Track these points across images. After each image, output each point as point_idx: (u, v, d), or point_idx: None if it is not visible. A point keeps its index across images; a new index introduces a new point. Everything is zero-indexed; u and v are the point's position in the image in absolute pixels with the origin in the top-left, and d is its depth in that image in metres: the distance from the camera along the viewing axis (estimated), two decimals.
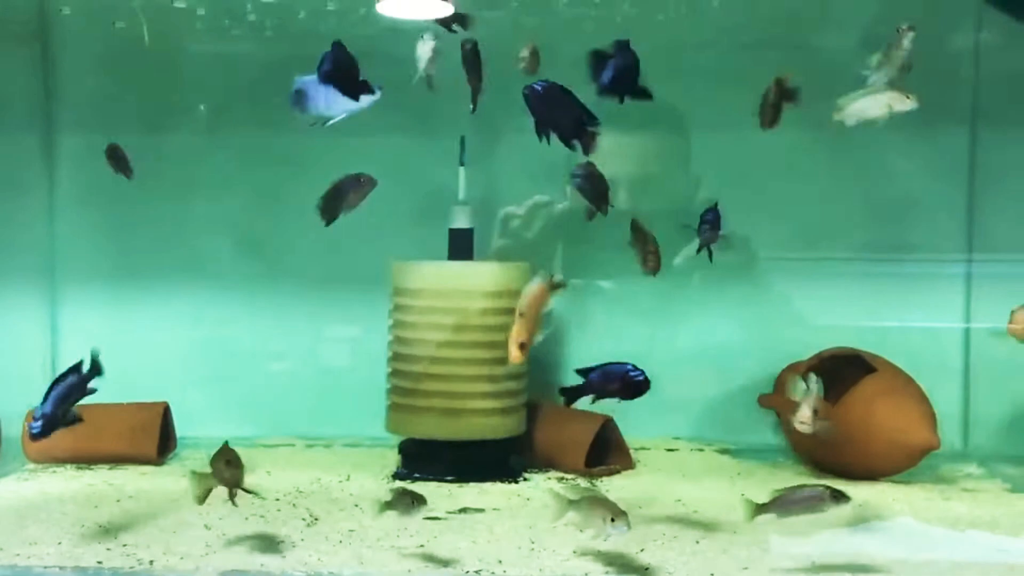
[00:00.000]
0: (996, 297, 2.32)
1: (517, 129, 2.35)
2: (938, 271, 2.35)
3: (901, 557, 1.66)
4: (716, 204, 1.93)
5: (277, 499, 1.95)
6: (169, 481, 2.08)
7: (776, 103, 1.86)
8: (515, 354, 1.64)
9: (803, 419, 1.75)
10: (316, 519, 1.83)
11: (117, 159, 2.08)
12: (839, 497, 1.60)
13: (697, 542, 1.73)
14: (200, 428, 2.37)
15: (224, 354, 2.50)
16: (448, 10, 1.97)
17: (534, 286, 1.65)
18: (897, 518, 1.88)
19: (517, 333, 1.64)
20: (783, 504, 1.61)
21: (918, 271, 2.35)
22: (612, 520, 1.54)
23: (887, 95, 1.79)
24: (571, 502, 1.62)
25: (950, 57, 2.33)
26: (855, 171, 2.40)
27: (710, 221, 1.91)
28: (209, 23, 2.40)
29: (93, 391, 1.71)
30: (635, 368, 1.81)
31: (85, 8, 2.44)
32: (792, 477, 2.17)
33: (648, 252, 1.89)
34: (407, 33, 2.36)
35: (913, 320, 2.35)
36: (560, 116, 1.71)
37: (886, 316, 2.35)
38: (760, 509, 1.62)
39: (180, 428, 2.34)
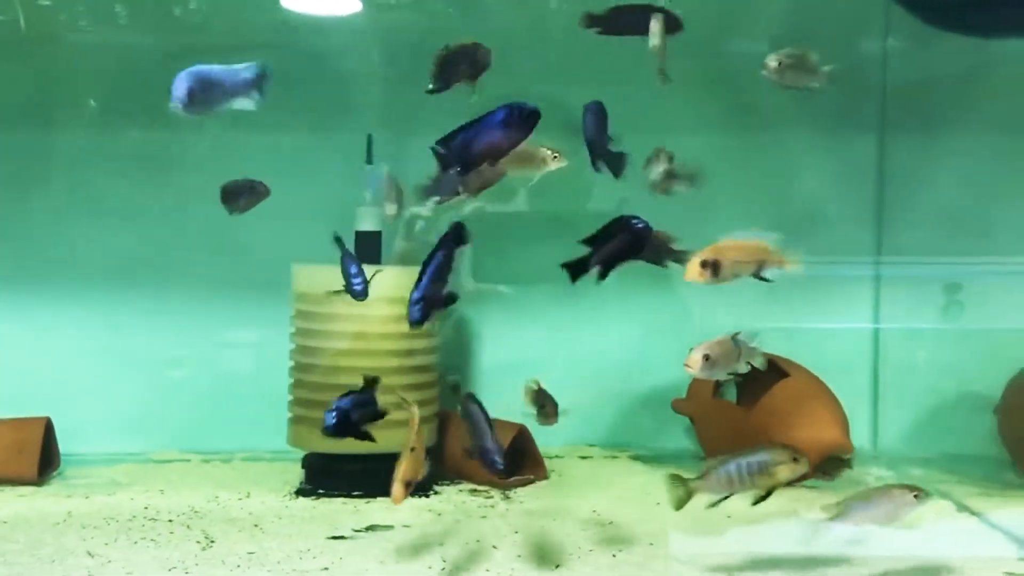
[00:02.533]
0: (905, 300, 2.38)
1: (427, 126, 2.32)
2: (847, 274, 2.36)
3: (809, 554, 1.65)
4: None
5: (170, 520, 1.83)
6: (50, 503, 1.94)
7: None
8: (399, 494, 1.48)
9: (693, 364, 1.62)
10: (212, 541, 1.72)
11: None
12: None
13: (614, 555, 1.68)
14: (87, 444, 2.24)
15: (114, 363, 2.35)
16: (356, 6, 1.89)
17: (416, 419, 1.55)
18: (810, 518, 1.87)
19: (405, 471, 1.49)
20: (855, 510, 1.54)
21: (827, 274, 2.35)
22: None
23: None
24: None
25: (858, 64, 2.34)
26: (764, 175, 2.40)
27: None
28: (95, 10, 2.25)
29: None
30: (635, 217, 1.58)
31: None
32: None
33: None
34: (310, 26, 2.29)
35: (823, 323, 2.36)
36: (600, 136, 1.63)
37: (796, 319, 2.34)
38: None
39: (64, 444, 2.19)
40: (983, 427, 2.22)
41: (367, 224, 2.12)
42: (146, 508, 1.90)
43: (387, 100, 2.30)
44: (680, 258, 1.76)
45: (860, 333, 2.38)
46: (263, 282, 2.20)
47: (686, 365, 1.60)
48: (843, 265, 2.35)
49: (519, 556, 1.67)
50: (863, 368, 2.38)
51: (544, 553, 1.69)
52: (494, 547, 1.71)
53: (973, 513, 1.92)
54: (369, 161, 2.13)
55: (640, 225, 1.55)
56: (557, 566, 1.62)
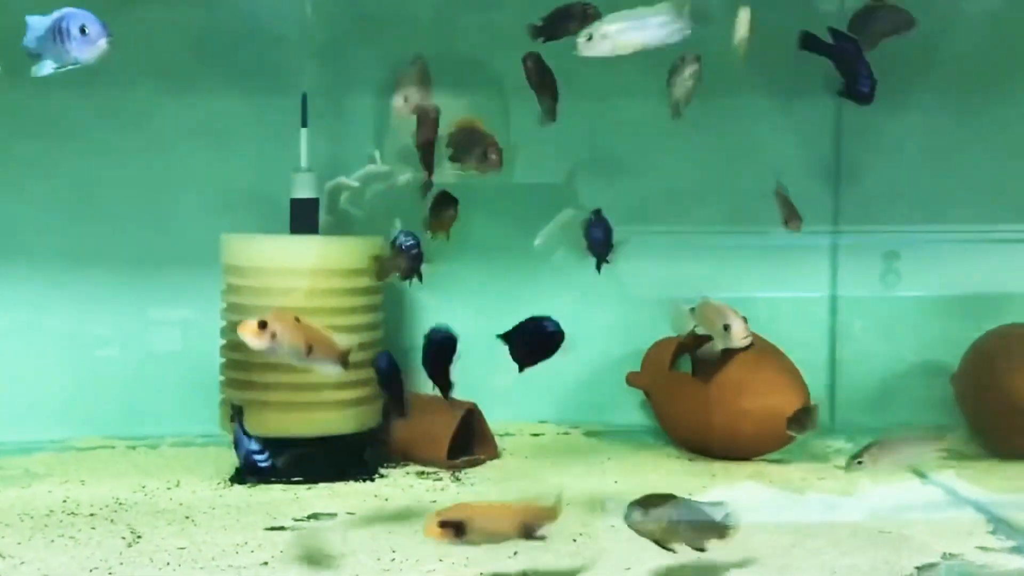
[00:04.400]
0: (862, 268, 2.32)
1: (365, 85, 2.20)
2: (804, 242, 2.29)
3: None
4: (599, 212, 1.81)
5: (92, 514, 1.69)
6: None
7: None
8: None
9: (741, 334, 1.76)
10: (139, 537, 1.58)
11: None
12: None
13: (574, 540, 1.59)
14: (1, 431, 2.07)
15: (29, 343, 2.16)
16: None
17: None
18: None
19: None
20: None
21: (783, 243, 2.28)
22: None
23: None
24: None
25: (816, 22, 2.25)
26: (718, 142, 2.31)
27: (599, 239, 1.80)
28: None
29: None
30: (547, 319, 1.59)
31: None
32: (662, 459, 2.07)
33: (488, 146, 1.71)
34: None
35: (778, 292, 2.29)
36: None
37: (751, 288, 2.27)
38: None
39: None
40: (940, 396, 2.18)
41: (303, 191, 1.98)
42: (65, 501, 1.75)
43: (322, 60, 2.15)
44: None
45: (817, 302, 2.31)
46: (192, 255, 2.06)
47: (740, 338, 1.69)
48: (800, 234, 2.29)
49: (475, 544, 1.57)
50: (820, 338, 2.32)
51: (506, 544, 1.58)
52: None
53: (937, 484, 1.88)
54: (304, 123, 1.98)
55: (551, 329, 1.58)
56: (515, 552, 1.52)
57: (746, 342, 1.84)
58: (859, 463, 1.61)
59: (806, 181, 2.27)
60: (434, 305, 2.23)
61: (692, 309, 1.96)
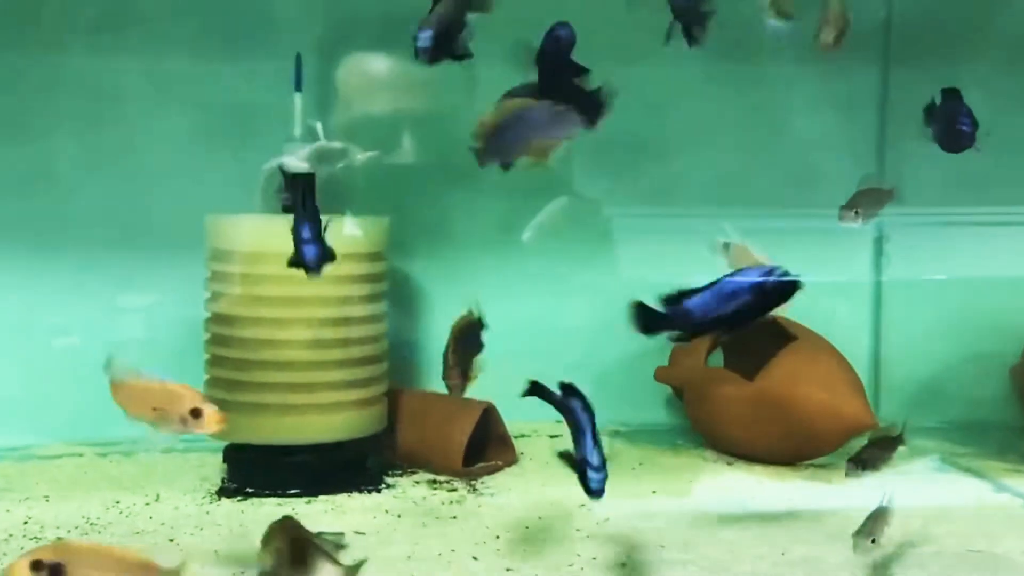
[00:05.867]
0: (908, 252, 2.13)
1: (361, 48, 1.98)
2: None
3: None
4: None
5: (59, 536, 1.46)
6: None
7: None
8: None
9: None
10: None
11: None
12: None
13: (623, 564, 1.38)
14: None
15: None
16: None
17: None
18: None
19: None
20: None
21: (823, 225, 2.09)
22: None
23: None
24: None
25: None
26: (761, 126, 2.12)
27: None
28: None
29: None
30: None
31: None
32: (698, 463, 1.87)
33: None
34: None
35: (819, 277, 2.09)
36: None
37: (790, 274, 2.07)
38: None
39: None
40: (996, 391, 2.00)
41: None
42: (27, 523, 1.52)
43: (316, 20, 1.93)
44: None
45: (860, 288, 2.13)
46: (171, 237, 1.84)
47: None
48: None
49: (508, 570, 1.36)
50: (863, 327, 2.13)
51: (538, 563, 1.38)
52: (474, 559, 1.40)
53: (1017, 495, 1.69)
54: (298, 88, 1.75)
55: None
56: None
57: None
58: (873, 542, 1.29)
59: (848, 159, 2.08)
60: (441, 295, 2.03)
61: (725, 244, 1.74)
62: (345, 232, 1.63)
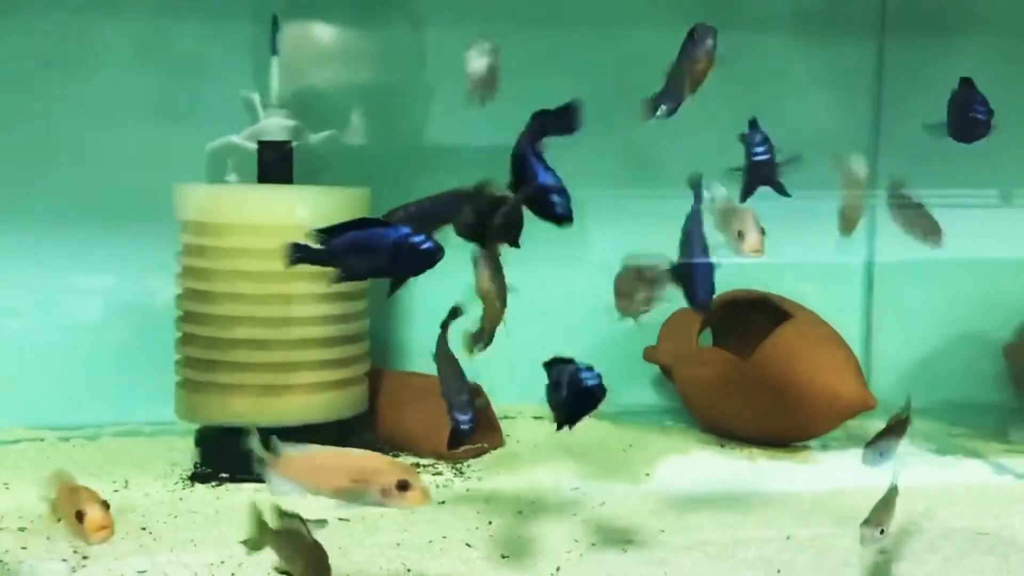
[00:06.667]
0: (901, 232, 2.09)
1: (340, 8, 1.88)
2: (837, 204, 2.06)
3: None
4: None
5: (21, 528, 1.36)
6: None
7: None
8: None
9: (754, 245, 1.38)
10: (85, 558, 1.26)
11: None
12: None
13: (624, 550, 1.32)
14: None
15: None
16: None
17: None
18: None
19: None
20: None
21: (813, 205, 2.04)
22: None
23: None
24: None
25: None
26: (751, 101, 2.05)
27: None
28: None
29: None
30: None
31: None
32: (691, 444, 1.81)
33: None
34: None
35: (809, 257, 2.04)
36: None
37: (777, 254, 2.02)
38: None
39: None
40: (989, 370, 1.97)
41: (274, 132, 1.66)
42: None
43: None
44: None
45: (852, 269, 2.08)
46: (138, 206, 1.72)
47: (751, 249, 1.35)
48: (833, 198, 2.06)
49: (504, 557, 1.30)
50: (854, 307, 2.08)
51: (534, 551, 1.31)
52: (468, 545, 1.33)
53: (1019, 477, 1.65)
54: (274, 51, 1.66)
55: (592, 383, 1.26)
56: (558, 568, 1.25)
57: (757, 256, 1.53)
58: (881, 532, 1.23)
59: (843, 134, 2.03)
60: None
61: (712, 200, 1.66)
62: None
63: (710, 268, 1.35)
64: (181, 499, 1.50)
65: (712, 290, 1.33)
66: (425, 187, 1.98)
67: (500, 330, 1.36)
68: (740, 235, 1.54)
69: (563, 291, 2.05)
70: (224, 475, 1.58)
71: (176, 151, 1.79)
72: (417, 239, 1.13)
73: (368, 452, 1.14)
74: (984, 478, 1.63)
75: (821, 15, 2.03)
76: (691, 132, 1.99)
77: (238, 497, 1.51)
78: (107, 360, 1.85)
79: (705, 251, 1.40)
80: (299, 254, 1.16)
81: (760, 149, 1.48)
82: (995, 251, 2.03)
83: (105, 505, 1.14)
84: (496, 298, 1.26)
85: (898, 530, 1.32)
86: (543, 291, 2.03)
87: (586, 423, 1.93)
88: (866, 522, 1.21)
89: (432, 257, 1.13)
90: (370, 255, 1.15)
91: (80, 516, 1.12)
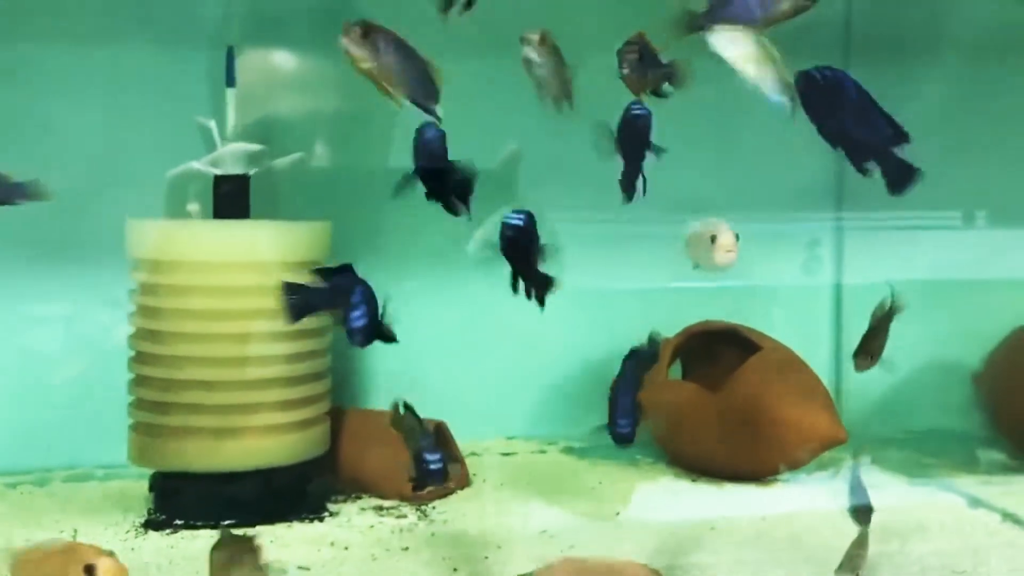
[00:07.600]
0: (869, 254, 2.08)
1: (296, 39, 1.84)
2: (806, 227, 2.05)
3: None
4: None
5: None
6: None
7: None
8: None
9: (727, 246, 1.42)
10: None
11: None
12: None
13: None
14: None
15: None
16: None
17: None
18: None
19: None
20: None
21: (782, 228, 2.03)
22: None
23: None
24: None
25: None
26: (715, 126, 2.04)
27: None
28: None
29: None
30: None
31: None
32: (662, 479, 1.78)
33: None
34: None
35: (777, 281, 2.03)
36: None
37: (747, 277, 2.00)
38: None
39: None
40: (959, 399, 1.95)
41: (230, 166, 1.61)
42: None
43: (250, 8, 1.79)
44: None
45: (820, 292, 2.07)
46: (91, 242, 1.67)
47: (724, 251, 1.37)
48: (799, 220, 2.05)
49: None
50: (822, 333, 2.07)
51: None
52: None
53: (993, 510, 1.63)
54: (230, 83, 1.61)
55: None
56: None
57: (729, 257, 1.49)
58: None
59: (806, 158, 2.01)
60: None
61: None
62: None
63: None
64: (133, 549, 1.44)
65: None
66: (388, 217, 1.97)
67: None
68: (712, 239, 1.51)
69: (530, 326, 2.01)
70: (179, 522, 1.52)
71: (131, 182, 1.74)
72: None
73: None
74: (958, 513, 1.60)
75: (785, 42, 2.01)
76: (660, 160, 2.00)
77: (194, 545, 1.45)
78: (58, 401, 1.78)
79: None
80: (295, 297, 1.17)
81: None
82: (964, 276, 2.03)
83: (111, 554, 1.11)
84: None
85: (871, 571, 1.29)
86: (510, 327, 2.00)
87: (553, 459, 1.93)
88: (840, 567, 1.18)
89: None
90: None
91: (90, 570, 1.07)
